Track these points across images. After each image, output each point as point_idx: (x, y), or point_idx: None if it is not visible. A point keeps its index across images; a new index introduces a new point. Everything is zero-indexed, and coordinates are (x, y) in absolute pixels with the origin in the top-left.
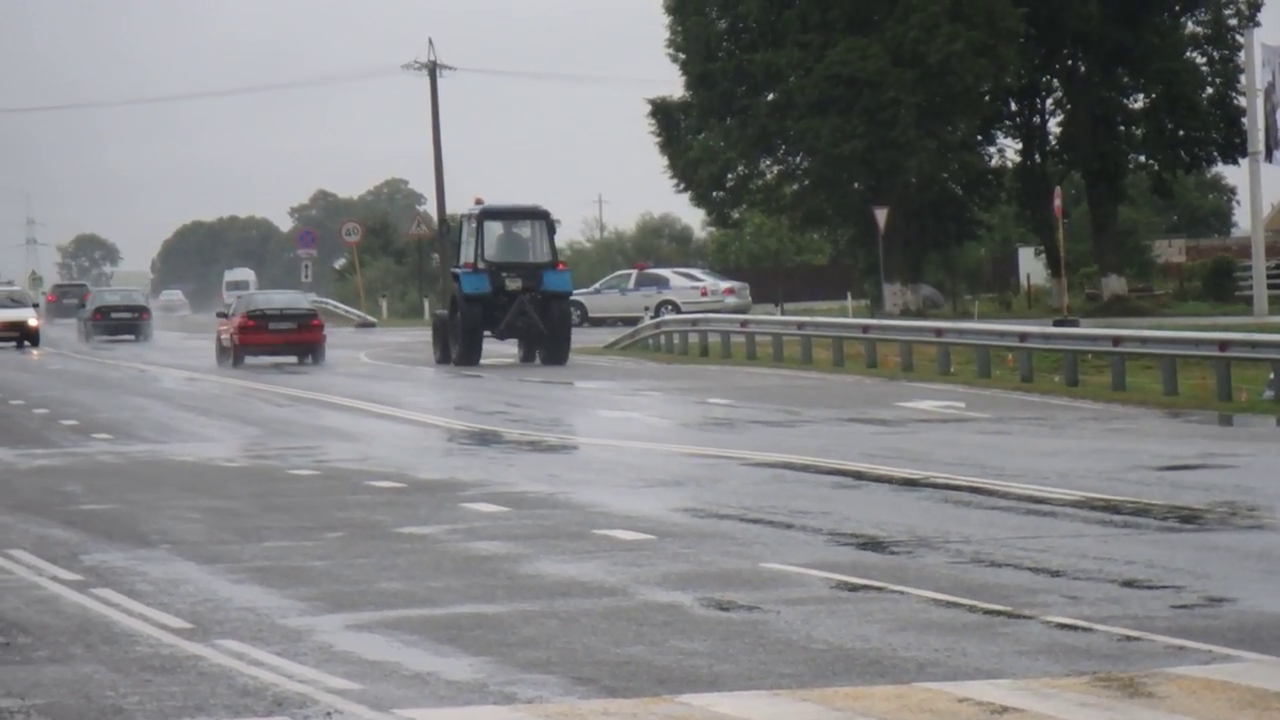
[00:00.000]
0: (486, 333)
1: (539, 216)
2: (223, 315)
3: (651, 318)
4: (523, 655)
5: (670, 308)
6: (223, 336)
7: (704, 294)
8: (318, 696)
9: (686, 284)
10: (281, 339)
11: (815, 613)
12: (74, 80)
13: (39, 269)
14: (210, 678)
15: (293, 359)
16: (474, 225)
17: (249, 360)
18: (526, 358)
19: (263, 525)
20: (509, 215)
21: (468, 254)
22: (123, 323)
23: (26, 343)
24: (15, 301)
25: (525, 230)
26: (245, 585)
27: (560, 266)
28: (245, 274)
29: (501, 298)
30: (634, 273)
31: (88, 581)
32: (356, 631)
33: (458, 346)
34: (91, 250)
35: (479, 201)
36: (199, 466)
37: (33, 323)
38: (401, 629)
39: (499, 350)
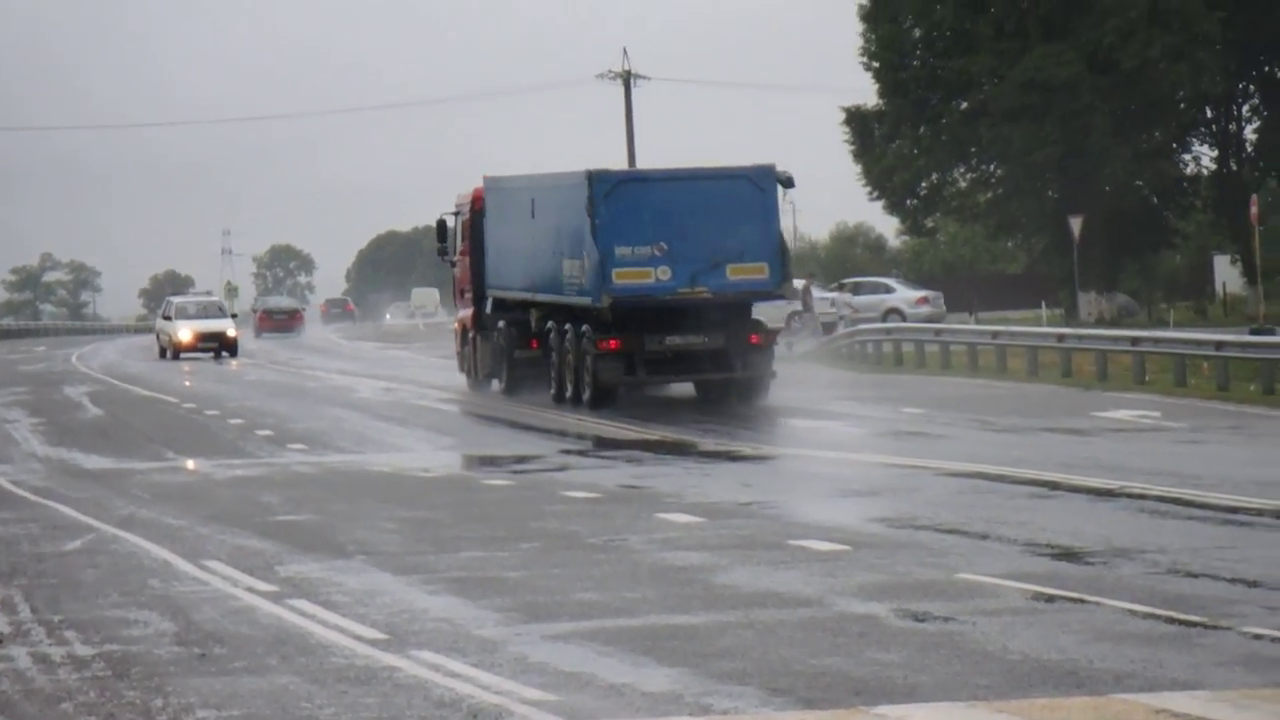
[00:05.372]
0: None
1: None
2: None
3: (845, 327)
4: (718, 666)
5: None
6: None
7: None
8: (513, 708)
9: None
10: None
11: (1011, 624)
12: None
13: (234, 279)
14: (406, 689)
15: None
16: None
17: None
18: None
19: (458, 535)
20: None
21: None
22: None
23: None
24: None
25: None
26: (441, 596)
27: None
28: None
29: None
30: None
31: (283, 592)
32: (552, 642)
33: None
34: (286, 260)
35: None
36: (395, 477)
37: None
38: (597, 639)
39: None
